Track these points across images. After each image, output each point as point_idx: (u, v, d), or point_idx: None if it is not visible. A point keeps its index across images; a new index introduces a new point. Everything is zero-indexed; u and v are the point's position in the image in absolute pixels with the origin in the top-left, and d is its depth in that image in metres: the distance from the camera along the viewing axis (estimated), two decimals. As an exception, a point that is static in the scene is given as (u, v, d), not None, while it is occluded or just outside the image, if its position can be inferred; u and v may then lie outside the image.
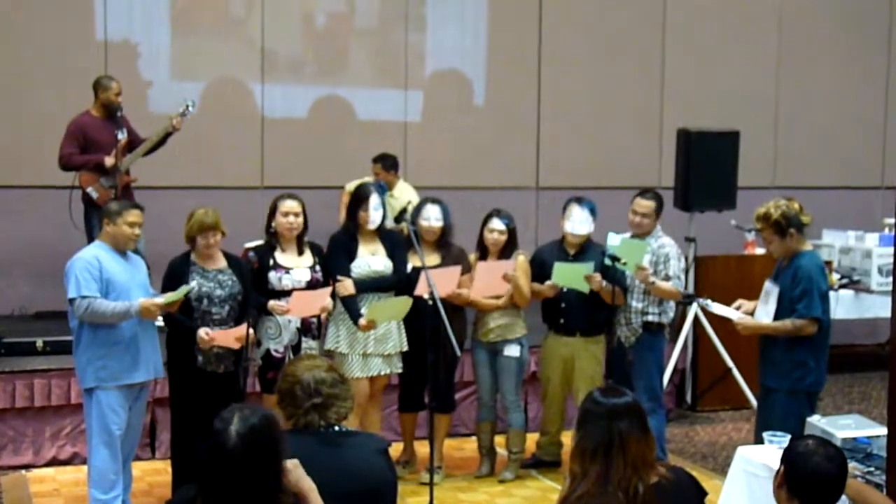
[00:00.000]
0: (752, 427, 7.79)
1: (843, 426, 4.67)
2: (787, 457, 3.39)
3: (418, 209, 6.67)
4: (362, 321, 6.16)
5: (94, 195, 7.51)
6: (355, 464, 3.42)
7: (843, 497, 3.48)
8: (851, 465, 3.51)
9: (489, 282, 6.44)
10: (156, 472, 6.66)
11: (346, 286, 6.20)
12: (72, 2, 8.79)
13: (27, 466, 6.79)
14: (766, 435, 4.61)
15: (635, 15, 10.27)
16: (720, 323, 7.02)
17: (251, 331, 5.74)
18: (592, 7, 10.14)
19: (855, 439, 4.50)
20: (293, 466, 3.04)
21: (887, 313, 8.89)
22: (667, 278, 6.65)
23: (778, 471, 3.41)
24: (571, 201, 6.73)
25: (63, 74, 8.46)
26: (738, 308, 5.82)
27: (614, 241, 6.52)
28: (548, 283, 6.54)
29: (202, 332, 5.73)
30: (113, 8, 8.82)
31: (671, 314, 6.92)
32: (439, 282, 6.10)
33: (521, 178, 9.94)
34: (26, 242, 8.42)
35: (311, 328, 6.21)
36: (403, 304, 6.19)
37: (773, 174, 10.56)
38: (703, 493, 3.33)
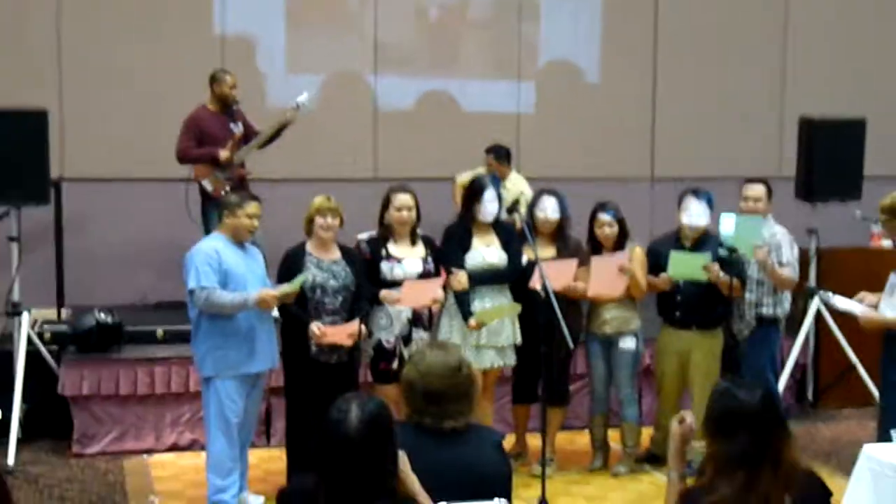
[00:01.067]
0: (876, 425, 7.54)
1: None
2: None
3: (534, 201, 6.61)
4: (472, 321, 6.13)
5: (209, 188, 7.63)
6: (470, 458, 3.40)
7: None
8: None
9: (605, 278, 6.34)
10: (271, 460, 6.75)
11: (460, 279, 6.18)
12: (190, -2, 8.96)
13: (149, 451, 6.97)
14: (893, 431, 4.42)
15: (756, 1, 10.01)
16: (843, 317, 6.79)
17: (363, 326, 5.76)
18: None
19: None
20: (405, 462, 3.03)
21: None
22: (780, 265, 6.48)
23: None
24: (688, 193, 6.59)
25: (180, 69, 8.61)
26: (860, 300, 5.62)
27: (728, 223, 6.36)
28: (663, 275, 6.42)
29: (314, 328, 5.77)
30: (230, 3, 8.96)
31: (787, 306, 6.75)
32: (555, 274, 6.04)
33: (636, 170, 9.79)
34: (146, 234, 8.60)
35: (423, 319, 6.21)
36: (512, 309, 6.18)
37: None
38: (829, 494, 3.21)
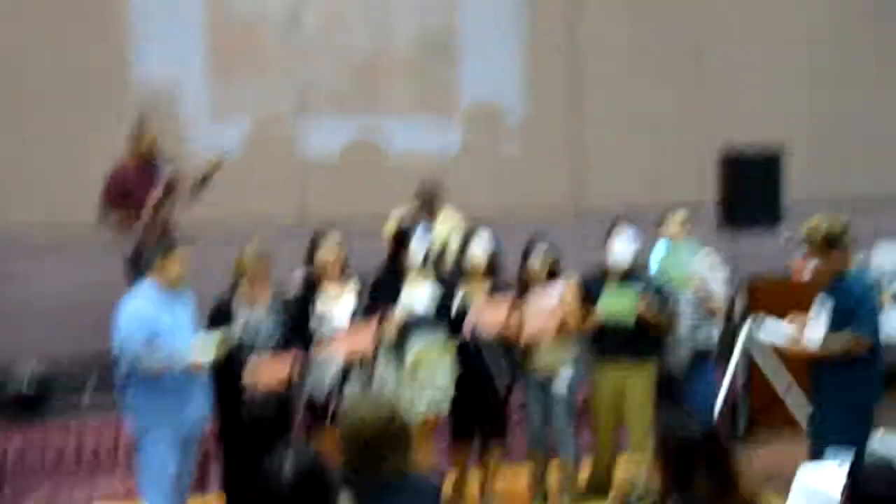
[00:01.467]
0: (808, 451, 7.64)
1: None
2: (852, 481, 3.28)
3: (465, 240, 6.60)
4: (407, 364, 6.09)
5: (135, 239, 7.51)
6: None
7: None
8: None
9: (539, 318, 6.34)
10: (208, 510, 6.63)
11: (393, 325, 6.14)
12: (110, 46, 8.86)
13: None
14: (827, 451, 4.49)
15: (676, 31, 10.20)
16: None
17: (296, 366, 5.72)
18: (632, 31, 10.07)
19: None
20: None
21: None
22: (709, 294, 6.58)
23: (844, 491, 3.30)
24: (612, 228, 6.62)
25: (103, 119, 8.50)
26: (790, 322, 5.69)
27: (659, 251, 6.42)
28: (595, 313, 6.44)
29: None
30: (151, 50, 8.88)
31: (716, 335, 6.81)
32: (490, 313, 6.03)
33: (562, 204, 9.86)
34: (73, 287, 8.44)
35: (355, 368, 6.15)
36: (448, 346, 6.16)
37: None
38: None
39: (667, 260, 6.32)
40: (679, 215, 6.68)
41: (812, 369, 5.56)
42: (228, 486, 5.93)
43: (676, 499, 3.14)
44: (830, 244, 5.35)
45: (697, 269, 6.54)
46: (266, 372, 5.74)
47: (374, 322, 6.14)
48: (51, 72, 8.62)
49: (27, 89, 8.55)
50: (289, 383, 5.81)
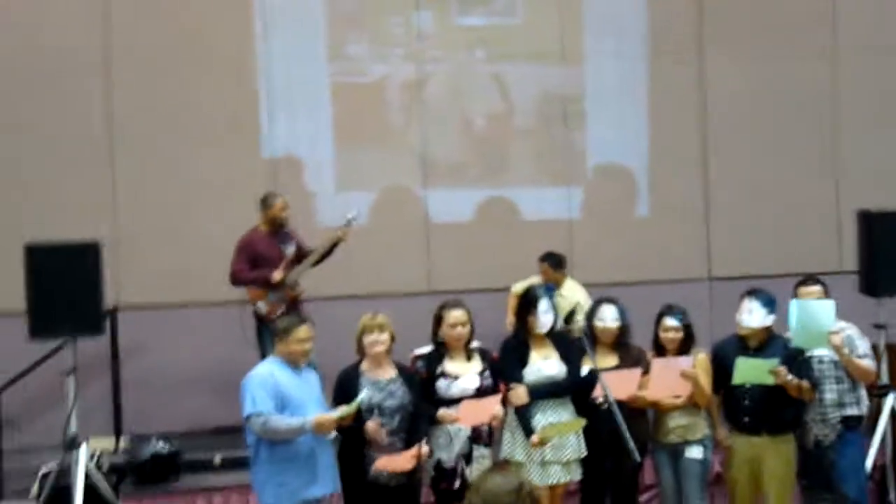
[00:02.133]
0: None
1: None
2: None
3: (592, 310, 6.47)
4: (535, 438, 5.98)
5: (263, 310, 7.63)
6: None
7: None
8: None
9: (666, 380, 6.17)
10: (333, 588, 6.55)
11: (520, 394, 6.03)
12: (238, 120, 9.06)
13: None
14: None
15: (804, 97, 9.94)
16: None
17: (425, 448, 5.63)
18: (758, 95, 9.86)
19: None
20: None
21: None
22: (858, 357, 6.29)
23: None
24: (744, 294, 6.42)
25: (231, 192, 8.69)
26: None
27: (794, 308, 6.18)
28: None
29: (371, 424, 5.65)
30: (278, 124, 9.06)
31: (866, 403, 6.50)
32: (619, 384, 5.90)
33: (693, 270, 9.63)
34: (202, 359, 8.59)
35: (483, 436, 6.05)
36: (576, 424, 6.04)
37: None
38: None
39: (802, 319, 6.07)
40: (809, 291, 6.39)
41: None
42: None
43: None
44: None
45: (836, 325, 6.26)
46: (392, 461, 5.67)
47: (501, 390, 6.04)
48: (181, 149, 8.84)
49: (157, 166, 8.78)
50: (413, 473, 5.73)
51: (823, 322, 6.11)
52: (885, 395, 7.43)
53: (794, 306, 6.20)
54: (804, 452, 6.37)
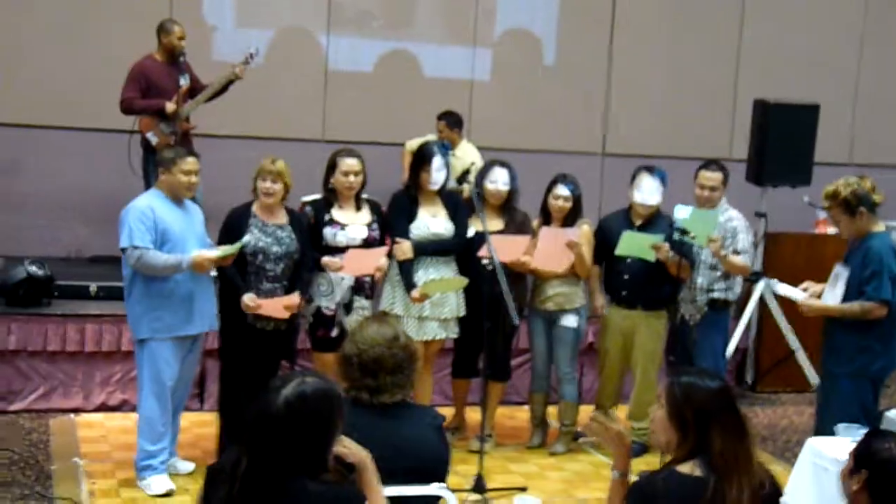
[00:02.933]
0: (813, 411, 7.56)
1: (922, 423, 4.44)
2: (871, 461, 3.17)
3: (484, 171, 6.47)
4: (415, 293, 6.01)
5: (154, 141, 7.42)
6: (410, 439, 3.31)
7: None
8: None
9: (551, 250, 6.25)
10: (203, 424, 6.60)
11: (404, 249, 6.04)
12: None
13: (76, 410, 6.77)
14: (840, 427, 4.39)
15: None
16: (786, 303, 6.79)
17: (301, 297, 5.62)
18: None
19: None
20: (347, 442, 2.92)
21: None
22: (735, 253, 6.43)
23: (855, 471, 3.20)
24: (641, 170, 6.49)
25: (127, 16, 8.35)
26: (805, 290, 5.61)
27: (682, 213, 6.30)
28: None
29: (247, 299, 5.61)
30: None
31: (738, 291, 6.71)
32: (505, 248, 5.94)
33: (588, 144, 9.69)
34: (84, 185, 8.37)
35: (365, 287, 6.08)
36: (458, 282, 6.09)
37: (849, 150, 10.19)
38: (779, 493, 3.15)
39: (691, 223, 6.17)
40: (711, 179, 6.45)
41: (826, 332, 5.45)
42: (225, 405, 5.87)
43: (696, 460, 3.04)
44: (856, 205, 5.21)
45: (723, 228, 6.38)
46: (269, 304, 5.64)
47: (387, 243, 6.04)
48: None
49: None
50: (291, 319, 5.73)
51: (708, 227, 6.21)
52: (756, 281, 7.69)
53: (682, 209, 6.29)
54: (672, 329, 6.56)
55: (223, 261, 5.59)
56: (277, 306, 5.66)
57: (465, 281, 6.10)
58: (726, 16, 9.97)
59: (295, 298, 5.66)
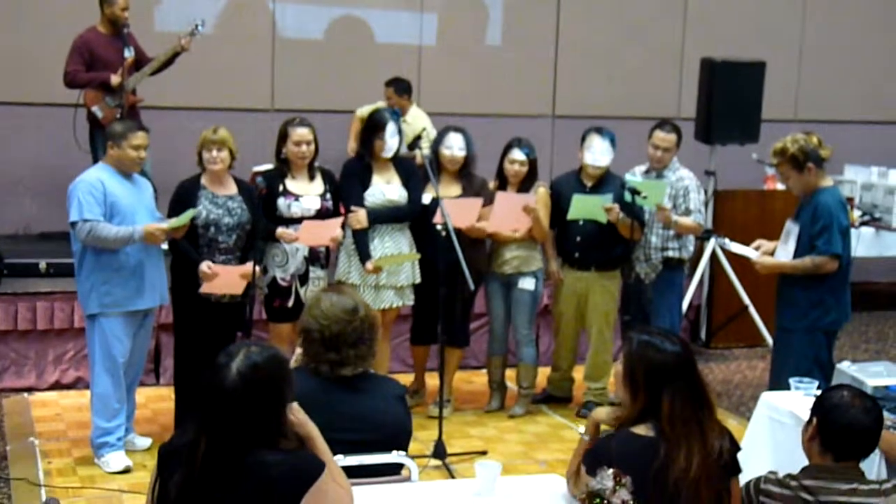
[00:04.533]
0: (766, 365, 7.66)
1: (873, 374, 4.52)
2: (821, 409, 3.24)
3: (440, 137, 6.44)
4: (369, 265, 6.01)
5: (100, 114, 7.31)
6: (369, 406, 3.31)
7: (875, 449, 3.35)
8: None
9: (508, 214, 6.25)
10: (160, 399, 6.57)
11: (359, 218, 6.02)
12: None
13: (29, 389, 6.70)
14: (792, 381, 4.45)
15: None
16: (737, 259, 6.85)
17: (256, 267, 5.58)
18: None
19: (886, 387, 4.35)
20: (296, 410, 2.91)
21: (909, 251, 8.89)
22: (687, 212, 6.49)
23: (809, 422, 3.27)
24: (591, 131, 6.51)
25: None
26: (757, 248, 5.66)
27: (634, 182, 6.36)
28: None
29: (204, 266, 5.56)
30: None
31: (691, 249, 6.77)
32: (459, 213, 5.93)
33: (538, 106, 9.69)
34: (30, 161, 8.25)
35: (320, 257, 6.06)
36: (411, 256, 6.11)
37: (795, 107, 10.29)
38: (737, 448, 3.19)
39: (641, 184, 6.22)
40: (665, 139, 6.48)
41: (779, 288, 5.52)
42: (180, 379, 5.84)
43: (650, 423, 3.08)
44: (804, 160, 5.26)
45: (673, 189, 6.43)
46: (225, 272, 5.60)
47: (341, 213, 6.01)
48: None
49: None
50: (246, 291, 5.69)
51: (657, 196, 6.26)
52: (707, 239, 7.77)
53: (632, 179, 6.34)
54: (626, 288, 6.62)
55: (174, 232, 5.54)
56: (234, 275, 5.62)
57: (417, 255, 6.11)
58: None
59: (248, 267, 5.62)
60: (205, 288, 5.60)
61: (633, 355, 3.14)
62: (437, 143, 6.40)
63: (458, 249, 5.70)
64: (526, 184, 6.40)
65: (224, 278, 5.61)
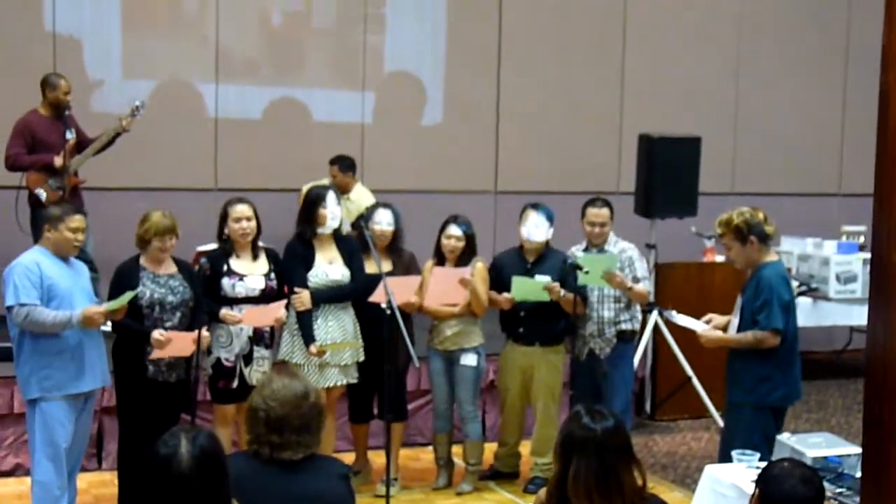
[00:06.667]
0: (711, 437, 7.75)
1: (813, 444, 4.57)
2: (763, 479, 3.29)
3: (369, 214, 6.51)
4: (313, 348, 6.01)
5: (43, 196, 7.29)
6: (313, 491, 3.28)
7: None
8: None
9: (445, 288, 6.29)
10: (102, 484, 6.45)
11: (303, 299, 6.02)
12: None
13: (-33, 477, 6.56)
14: (734, 453, 4.50)
15: (595, 17, 10.15)
16: (680, 331, 6.93)
17: (206, 333, 5.56)
18: (552, 9, 10.01)
19: (826, 458, 4.41)
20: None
21: (845, 321, 9.06)
22: (636, 280, 6.58)
23: (753, 494, 3.31)
24: (528, 207, 6.61)
25: (10, 71, 8.20)
26: (708, 322, 5.68)
27: (580, 254, 6.46)
28: (505, 295, 6.42)
29: (156, 334, 5.53)
30: (62, 2, 8.56)
31: (639, 318, 6.86)
32: (399, 290, 5.96)
33: (480, 182, 9.80)
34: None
35: (264, 337, 6.04)
36: (353, 343, 6.14)
37: (731, 180, 10.51)
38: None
39: (585, 259, 6.33)
40: (599, 215, 6.60)
41: (728, 362, 5.55)
42: (124, 463, 5.75)
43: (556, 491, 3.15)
44: (747, 233, 5.35)
45: (619, 262, 6.53)
46: (177, 337, 5.57)
47: (285, 297, 6.02)
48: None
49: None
50: (192, 356, 5.65)
51: (605, 267, 6.36)
52: (650, 311, 7.86)
53: (576, 252, 6.46)
54: (576, 364, 6.66)
55: (113, 315, 5.50)
56: (186, 340, 5.59)
57: (360, 343, 6.16)
58: (608, 51, 10.20)
59: (202, 332, 5.59)
60: (155, 354, 5.55)
61: (561, 426, 3.22)
62: (366, 220, 6.45)
63: (401, 325, 5.72)
64: (463, 259, 6.45)
65: (176, 343, 5.58)
